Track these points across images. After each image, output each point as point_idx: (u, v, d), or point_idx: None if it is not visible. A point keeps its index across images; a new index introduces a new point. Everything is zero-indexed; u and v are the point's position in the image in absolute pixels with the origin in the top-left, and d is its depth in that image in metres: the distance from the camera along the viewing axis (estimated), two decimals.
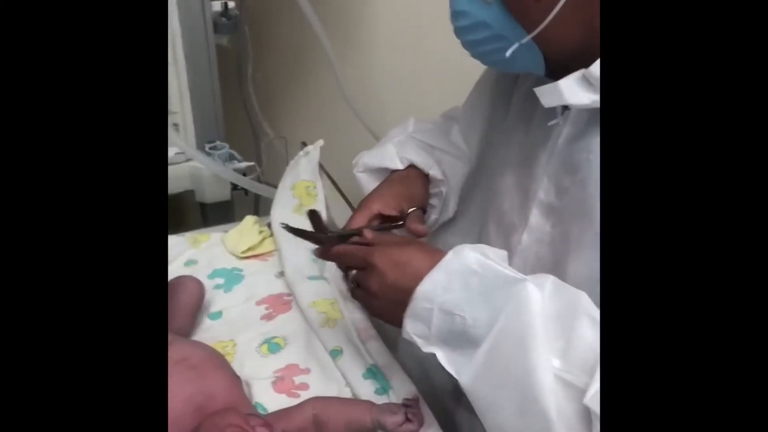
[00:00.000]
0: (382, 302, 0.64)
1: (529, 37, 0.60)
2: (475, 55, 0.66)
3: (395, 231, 0.80)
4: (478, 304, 0.57)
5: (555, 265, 0.66)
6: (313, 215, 0.71)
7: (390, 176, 0.85)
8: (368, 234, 0.69)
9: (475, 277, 0.58)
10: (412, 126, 0.90)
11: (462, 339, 0.58)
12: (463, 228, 0.85)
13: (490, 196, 0.79)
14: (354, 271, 0.69)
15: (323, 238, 0.72)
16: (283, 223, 0.74)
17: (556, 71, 0.62)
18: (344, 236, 0.72)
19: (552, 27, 0.58)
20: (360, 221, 0.76)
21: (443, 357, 0.59)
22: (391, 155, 0.85)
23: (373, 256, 0.64)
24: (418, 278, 0.60)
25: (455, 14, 0.64)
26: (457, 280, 0.58)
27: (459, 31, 0.65)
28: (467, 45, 0.65)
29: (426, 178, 0.85)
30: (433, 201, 0.86)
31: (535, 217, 0.69)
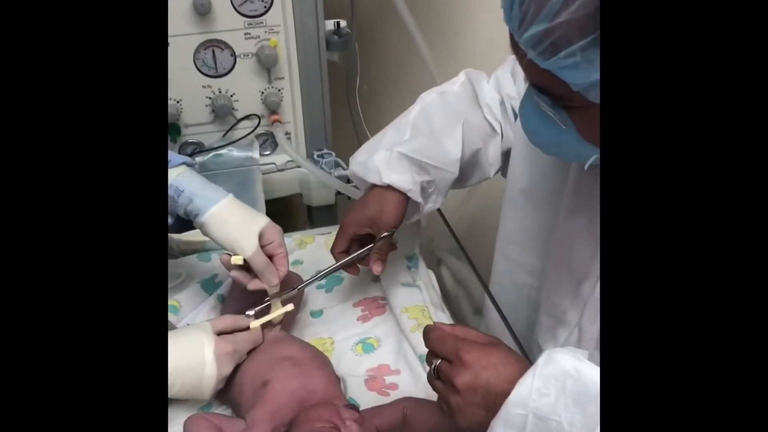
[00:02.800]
0: (462, 400, 0.62)
1: None
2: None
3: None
4: (573, 409, 0.56)
5: None
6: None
7: (367, 194, 0.91)
8: (453, 330, 0.67)
9: (570, 380, 0.57)
10: (413, 121, 0.92)
11: None
12: (543, 247, 0.88)
13: (557, 234, 0.81)
14: (438, 360, 0.66)
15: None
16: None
17: None
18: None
19: None
20: (342, 246, 0.90)
21: None
22: (375, 171, 0.88)
23: (463, 350, 0.63)
24: (511, 382, 0.59)
25: (526, 131, 0.66)
26: (553, 384, 0.57)
27: (532, 142, 0.67)
28: (544, 152, 0.68)
29: (405, 195, 0.88)
30: (415, 211, 0.91)
31: None
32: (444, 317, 0.94)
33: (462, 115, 0.93)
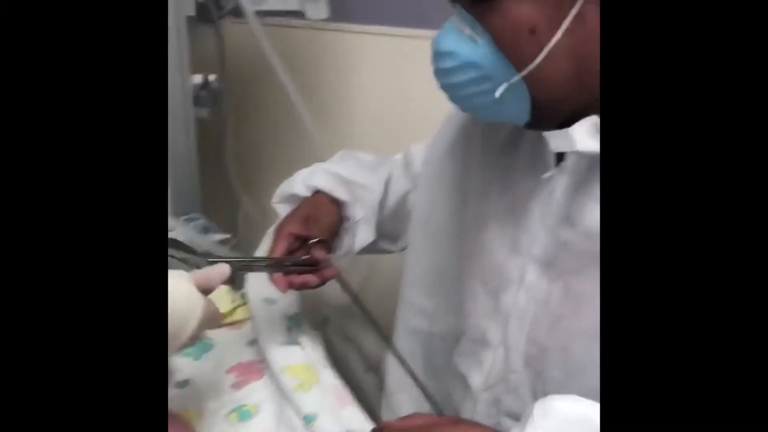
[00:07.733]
0: None
1: (522, 74, 0.57)
2: (457, 99, 0.62)
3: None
4: None
5: (554, 324, 0.63)
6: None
7: (300, 204, 0.86)
8: (411, 422, 0.60)
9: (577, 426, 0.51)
10: (338, 157, 0.92)
11: None
12: (436, 287, 0.83)
13: (468, 253, 0.77)
14: None
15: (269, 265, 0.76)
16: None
17: (540, 118, 0.60)
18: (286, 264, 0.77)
19: (545, 64, 0.55)
20: (282, 248, 0.78)
21: None
22: (299, 183, 0.86)
23: None
24: None
25: (439, 55, 0.60)
26: None
27: (442, 73, 0.61)
28: (450, 88, 0.61)
29: (335, 203, 0.85)
30: (346, 224, 0.86)
31: (532, 274, 0.66)
32: (330, 374, 0.83)
33: (389, 161, 0.93)
